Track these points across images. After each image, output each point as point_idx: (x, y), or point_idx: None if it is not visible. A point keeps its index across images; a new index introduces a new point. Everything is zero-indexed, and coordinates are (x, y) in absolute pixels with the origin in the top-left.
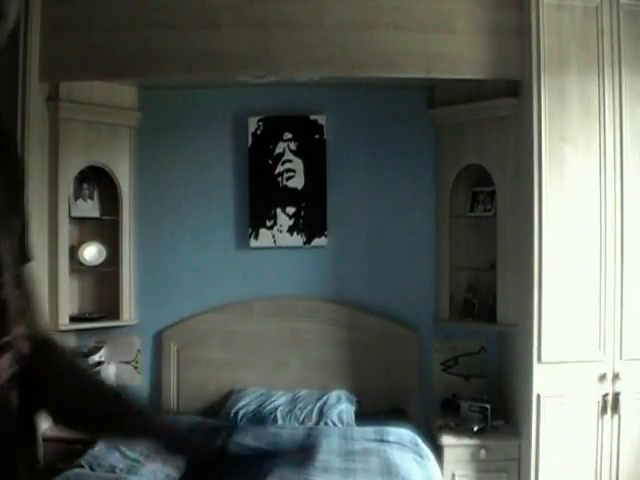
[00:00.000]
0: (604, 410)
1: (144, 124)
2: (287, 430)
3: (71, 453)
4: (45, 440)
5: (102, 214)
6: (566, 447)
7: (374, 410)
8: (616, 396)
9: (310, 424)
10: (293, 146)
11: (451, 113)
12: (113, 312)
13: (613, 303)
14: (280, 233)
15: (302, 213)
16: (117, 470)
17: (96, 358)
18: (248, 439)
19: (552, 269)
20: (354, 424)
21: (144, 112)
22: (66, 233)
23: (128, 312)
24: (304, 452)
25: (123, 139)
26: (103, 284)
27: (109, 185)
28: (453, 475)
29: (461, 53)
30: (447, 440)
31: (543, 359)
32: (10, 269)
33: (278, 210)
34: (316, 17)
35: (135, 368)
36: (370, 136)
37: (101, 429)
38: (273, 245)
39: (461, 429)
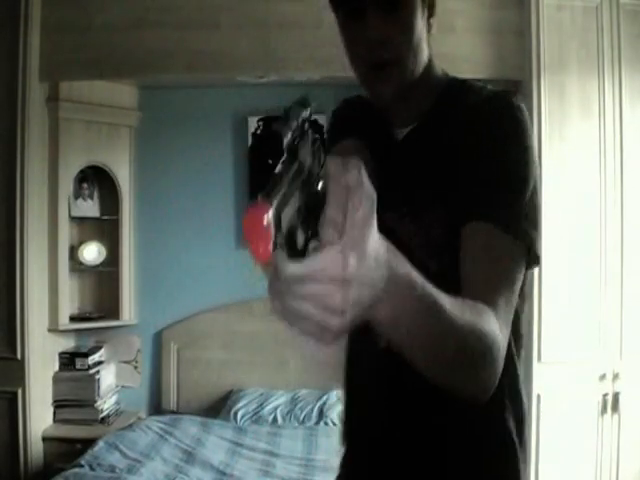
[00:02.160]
0: (604, 410)
1: (144, 124)
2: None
3: (71, 453)
4: (45, 440)
5: (102, 214)
6: (566, 447)
7: None
8: (616, 396)
9: (310, 424)
10: None
11: None
12: (113, 312)
13: (613, 303)
14: None
15: None
16: (117, 470)
17: (96, 358)
18: None
19: (552, 269)
20: None
21: (144, 112)
22: (66, 233)
23: (128, 312)
24: None
25: (123, 139)
26: (103, 284)
27: (109, 185)
28: None
29: (461, 53)
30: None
31: (543, 359)
32: None
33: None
34: (316, 17)
35: (135, 368)
36: None
37: None
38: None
39: None
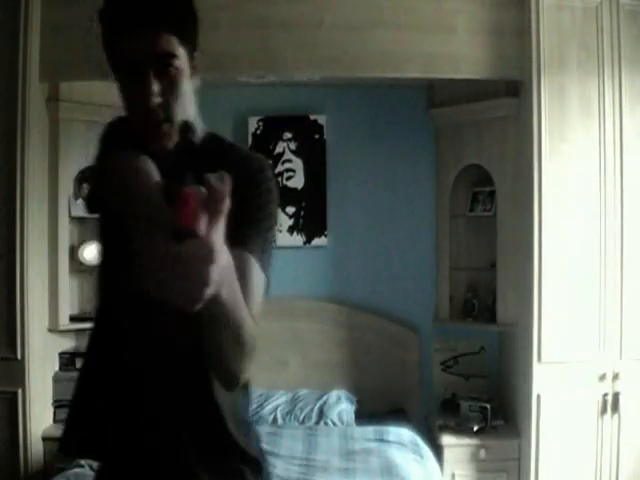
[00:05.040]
0: (604, 410)
1: None
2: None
3: None
4: (45, 440)
5: None
6: (566, 447)
7: (374, 410)
8: (616, 396)
9: (310, 424)
10: (293, 146)
11: (451, 113)
12: None
13: (613, 303)
14: (280, 233)
15: (302, 213)
16: None
17: None
18: None
19: (552, 269)
20: (354, 424)
21: None
22: (66, 233)
23: None
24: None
25: None
26: None
27: None
28: (453, 475)
29: (461, 53)
30: (447, 440)
31: (543, 359)
32: None
33: (278, 210)
34: (316, 17)
35: None
36: (370, 136)
37: None
38: (273, 245)
39: (461, 429)
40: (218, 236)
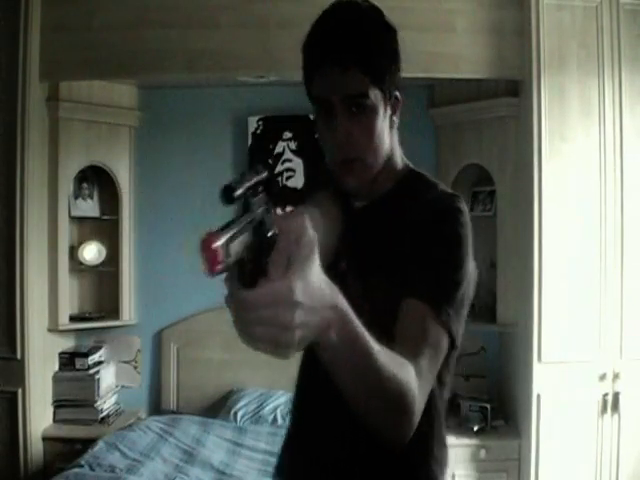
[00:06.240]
0: (604, 410)
1: (144, 124)
2: None
3: (71, 453)
4: (45, 440)
5: (102, 214)
6: (566, 447)
7: None
8: (616, 396)
9: None
10: (293, 145)
11: (451, 113)
12: (113, 312)
13: (613, 303)
14: None
15: None
16: (117, 470)
17: (96, 358)
18: None
19: (552, 269)
20: None
21: (144, 111)
22: (66, 233)
23: (128, 312)
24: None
25: (123, 139)
26: (103, 284)
27: (109, 185)
28: (453, 475)
29: (461, 53)
30: (447, 440)
31: (543, 359)
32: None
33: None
34: (316, 17)
35: (135, 368)
36: None
37: None
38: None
39: (461, 429)
40: (302, 277)
